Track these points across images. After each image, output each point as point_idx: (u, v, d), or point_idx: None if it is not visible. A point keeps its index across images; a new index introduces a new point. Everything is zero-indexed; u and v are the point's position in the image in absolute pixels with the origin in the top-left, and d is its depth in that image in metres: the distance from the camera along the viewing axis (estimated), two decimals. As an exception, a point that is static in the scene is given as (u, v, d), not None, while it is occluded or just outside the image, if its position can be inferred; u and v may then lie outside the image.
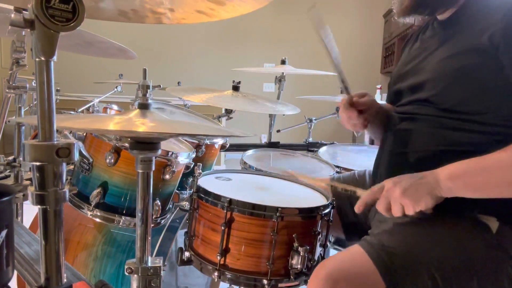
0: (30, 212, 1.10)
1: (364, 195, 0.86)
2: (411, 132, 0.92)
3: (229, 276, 0.86)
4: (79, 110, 2.49)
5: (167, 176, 1.02)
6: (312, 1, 0.76)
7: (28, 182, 1.10)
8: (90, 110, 2.47)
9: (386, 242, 0.81)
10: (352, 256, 0.81)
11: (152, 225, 0.67)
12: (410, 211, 0.78)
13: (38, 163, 0.47)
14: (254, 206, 0.84)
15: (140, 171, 0.63)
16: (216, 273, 0.87)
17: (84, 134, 1.10)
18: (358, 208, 0.86)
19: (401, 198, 0.78)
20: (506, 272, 0.78)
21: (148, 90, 0.70)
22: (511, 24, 0.77)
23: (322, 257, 0.97)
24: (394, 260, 0.77)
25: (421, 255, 0.78)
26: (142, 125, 0.65)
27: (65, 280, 0.52)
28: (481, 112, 0.81)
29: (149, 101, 0.70)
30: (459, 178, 0.76)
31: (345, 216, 1.10)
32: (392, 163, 0.96)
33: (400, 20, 0.99)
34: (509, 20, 0.78)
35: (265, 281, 0.85)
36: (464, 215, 0.83)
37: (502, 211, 0.80)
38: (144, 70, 0.70)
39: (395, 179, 0.82)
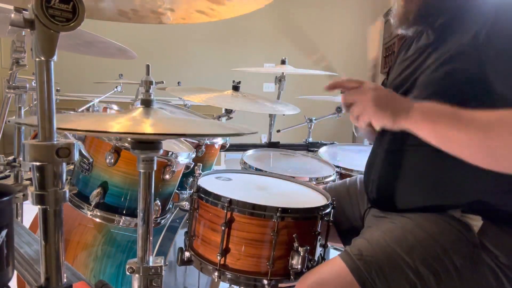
0: (30, 212, 1.09)
1: (348, 92, 0.86)
2: (408, 131, 0.92)
3: (229, 276, 0.86)
4: (79, 110, 2.49)
5: (167, 176, 1.02)
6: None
7: (28, 182, 1.09)
8: (90, 110, 2.47)
9: (365, 251, 0.81)
10: (331, 268, 0.82)
11: (152, 225, 0.67)
12: (364, 118, 0.80)
13: (38, 163, 0.47)
14: (254, 206, 0.84)
15: (141, 170, 0.63)
16: (216, 273, 0.87)
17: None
18: (326, 87, 0.88)
19: (368, 102, 0.80)
20: (490, 270, 0.77)
21: (151, 86, 0.69)
22: (497, 23, 0.75)
23: (323, 257, 0.97)
24: (372, 269, 0.78)
25: (400, 261, 0.78)
26: (151, 126, 0.64)
27: (65, 280, 0.52)
28: None
29: (152, 97, 0.70)
30: (430, 113, 0.76)
31: (340, 225, 1.10)
32: (388, 160, 0.96)
33: (401, 31, 0.97)
34: (494, 20, 0.75)
35: (265, 281, 0.85)
36: (447, 214, 0.83)
37: (487, 209, 0.80)
38: (147, 66, 0.69)
39: (377, 85, 0.82)
